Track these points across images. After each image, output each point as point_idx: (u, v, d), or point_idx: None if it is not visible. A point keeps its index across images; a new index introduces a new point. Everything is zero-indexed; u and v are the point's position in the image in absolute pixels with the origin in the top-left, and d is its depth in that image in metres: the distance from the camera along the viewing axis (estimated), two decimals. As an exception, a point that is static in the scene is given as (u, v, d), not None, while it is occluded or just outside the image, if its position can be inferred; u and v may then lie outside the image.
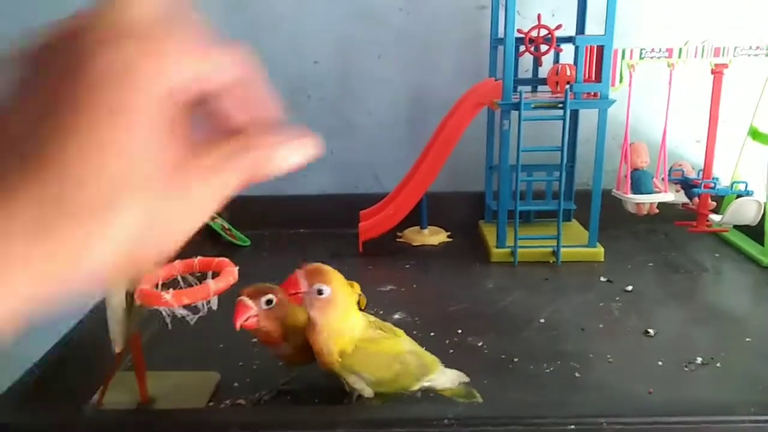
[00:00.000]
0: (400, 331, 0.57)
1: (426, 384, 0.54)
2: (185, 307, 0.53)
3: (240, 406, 0.60)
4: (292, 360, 0.59)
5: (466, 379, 0.56)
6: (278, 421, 0.52)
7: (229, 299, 0.55)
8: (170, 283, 0.56)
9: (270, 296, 0.55)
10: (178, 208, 0.25)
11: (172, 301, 0.51)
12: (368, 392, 0.53)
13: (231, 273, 0.55)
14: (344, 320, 0.53)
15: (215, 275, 0.56)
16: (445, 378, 0.55)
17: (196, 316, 0.53)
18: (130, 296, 0.53)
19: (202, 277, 0.56)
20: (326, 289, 0.51)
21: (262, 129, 0.29)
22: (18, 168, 0.22)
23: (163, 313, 0.53)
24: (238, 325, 0.54)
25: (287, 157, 0.29)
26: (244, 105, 0.28)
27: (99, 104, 0.23)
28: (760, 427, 0.47)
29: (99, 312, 0.53)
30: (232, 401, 0.60)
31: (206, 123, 0.28)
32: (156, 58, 0.24)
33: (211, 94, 0.27)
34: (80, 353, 0.62)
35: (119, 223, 0.23)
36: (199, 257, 0.58)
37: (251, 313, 0.54)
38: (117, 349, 0.52)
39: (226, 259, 0.58)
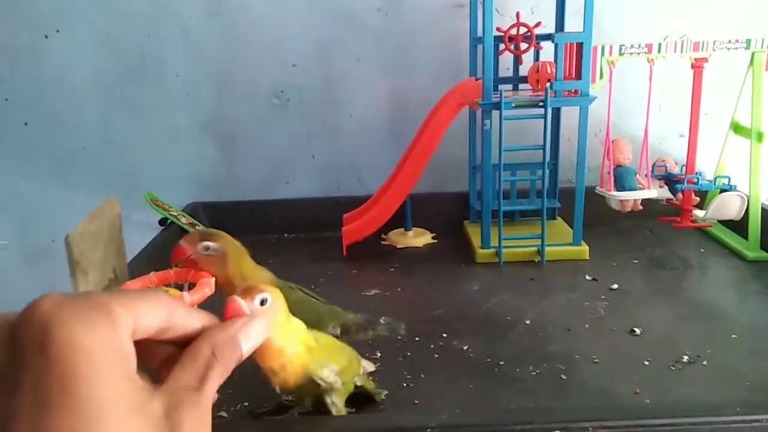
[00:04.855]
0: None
1: (364, 366, 0.57)
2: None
3: (222, 419, 0.58)
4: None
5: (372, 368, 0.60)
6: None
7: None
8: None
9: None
10: None
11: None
12: (339, 383, 0.53)
13: (207, 284, 0.54)
14: (290, 323, 0.51)
15: (192, 286, 0.55)
16: (368, 363, 0.58)
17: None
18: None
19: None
20: (267, 296, 0.49)
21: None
22: None
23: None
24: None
25: (250, 339, 0.35)
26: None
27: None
28: (746, 427, 0.47)
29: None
30: (213, 414, 0.59)
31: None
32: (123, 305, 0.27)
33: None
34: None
35: None
36: (175, 268, 0.57)
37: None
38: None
39: (202, 270, 0.56)
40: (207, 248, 0.57)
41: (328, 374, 0.52)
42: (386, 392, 0.59)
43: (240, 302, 0.49)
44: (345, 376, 0.53)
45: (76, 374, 0.23)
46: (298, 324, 0.52)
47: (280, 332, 0.50)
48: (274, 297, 0.50)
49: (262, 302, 0.49)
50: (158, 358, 0.31)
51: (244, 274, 0.58)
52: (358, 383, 0.56)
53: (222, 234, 0.59)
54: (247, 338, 0.35)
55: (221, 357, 0.31)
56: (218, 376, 0.30)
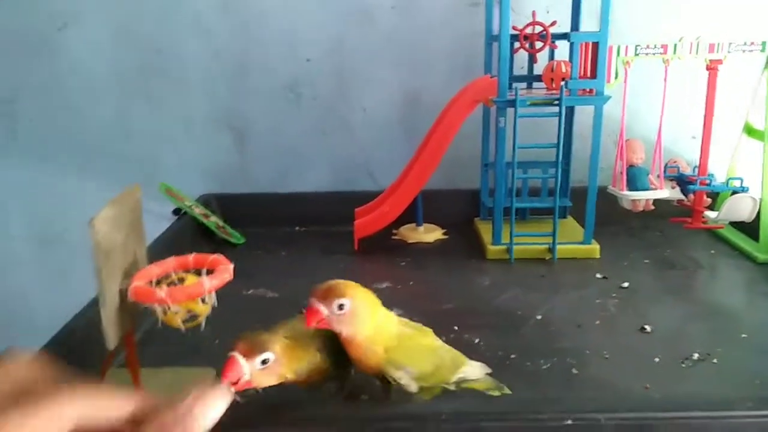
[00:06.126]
0: (427, 329, 0.57)
1: (461, 375, 0.55)
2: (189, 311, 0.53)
3: (235, 403, 0.59)
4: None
5: (489, 370, 0.57)
6: (274, 419, 0.51)
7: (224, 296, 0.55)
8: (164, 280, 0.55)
9: (267, 355, 0.50)
10: None
11: (165, 298, 0.50)
12: (414, 387, 0.53)
13: (226, 270, 0.55)
14: (375, 320, 0.52)
15: (210, 272, 0.55)
16: (474, 370, 0.56)
17: (202, 320, 0.53)
18: (123, 293, 0.52)
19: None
20: (346, 302, 0.50)
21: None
22: None
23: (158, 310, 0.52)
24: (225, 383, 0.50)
25: (208, 414, 0.32)
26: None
27: None
28: (757, 422, 0.47)
29: (92, 308, 0.53)
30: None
31: None
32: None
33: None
34: (73, 350, 0.61)
35: None
36: (194, 254, 0.58)
37: (243, 372, 0.50)
38: (110, 346, 0.51)
39: (221, 256, 0.57)
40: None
41: (401, 376, 0.52)
42: (506, 391, 0.56)
43: (318, 306, 0.50)
44: (425, 381, 0.53)
45: None
46: (388, 323, 0.53)
47: (363, 330, 0.51)
48: (357, 300, 0.51)
49: (340, 307, 0.50)
50: None
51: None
52: (453, 387, 0.55)
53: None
54: (204, 415, 0.32)
55: None
56: None
